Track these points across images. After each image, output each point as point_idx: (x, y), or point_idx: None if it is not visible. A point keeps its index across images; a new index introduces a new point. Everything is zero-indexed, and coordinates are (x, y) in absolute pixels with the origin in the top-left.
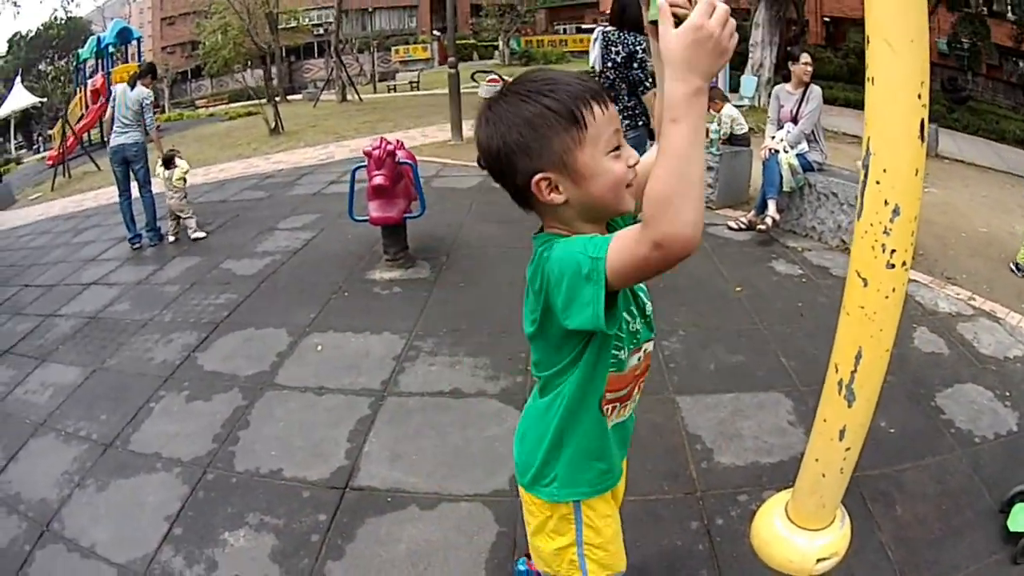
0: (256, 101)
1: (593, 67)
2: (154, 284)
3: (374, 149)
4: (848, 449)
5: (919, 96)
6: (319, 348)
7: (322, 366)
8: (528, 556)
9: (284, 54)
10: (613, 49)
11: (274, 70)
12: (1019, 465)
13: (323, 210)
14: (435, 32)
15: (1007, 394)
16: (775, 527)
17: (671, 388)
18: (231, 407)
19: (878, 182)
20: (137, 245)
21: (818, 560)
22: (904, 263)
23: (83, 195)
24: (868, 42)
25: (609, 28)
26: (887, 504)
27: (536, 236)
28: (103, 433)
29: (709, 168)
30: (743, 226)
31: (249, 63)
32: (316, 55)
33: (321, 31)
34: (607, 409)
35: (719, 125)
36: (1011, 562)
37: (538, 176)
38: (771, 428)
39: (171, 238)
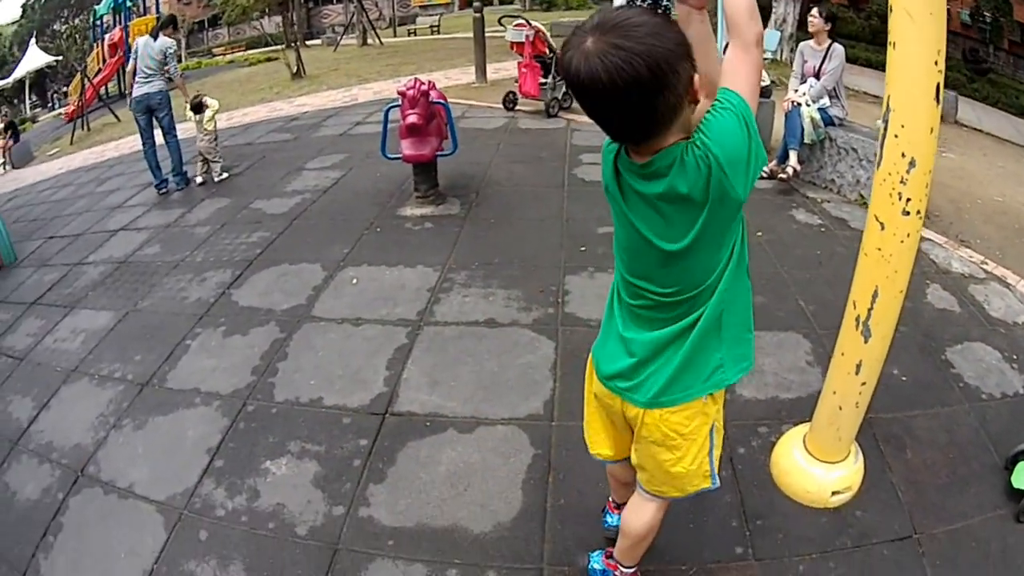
0: (275, 48)
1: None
2: (184, 227)
3: (408, 89)
4: (864, 384)
5: (936, 63)
6: (354, 281)
7: (358, 298)
8: (607, 554)
9: (303, 0)
10: None
11: (294, 16)
12: (1023, 425)
13: (351, 150)
14: None
15: (1015, 357)
16: (794, 458)
17: None
18: (269, 340)
19: (896, 136)
20: (164, 190)
21: (833, 492)
22: (919, 211)
23: (103, 146)
24: (891, 11)
25: None
26: (898, 447)
27: (659, 159)
28: (139, 373)
29: None
30: (765, 175)
31: (267, 10)
32: (335, 1)
33: None
34: None
35: None
36: (1014, 519)
37: (696, 75)
38: (790, 366)
39: (199, 179)
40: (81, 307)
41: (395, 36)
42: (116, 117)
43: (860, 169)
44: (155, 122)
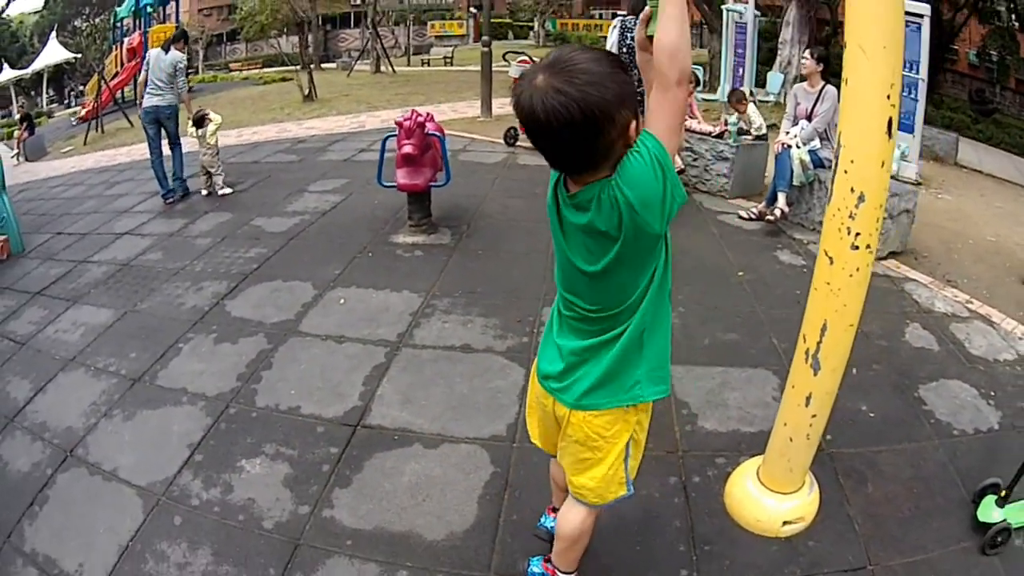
0: (290, 67)
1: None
2: (186, 236)
3: (405, 120)
4: (814, 416)
5: (888, 96)
6: (342, 301)
7: (344, 317)
8: (546, 558)
9: (320, 22)
10: (629, 35)
11: (310, 38)
12: (995, 461)
13: (353, 176)
14: (472, 9)
15: (992, 393)
16: (747, 487)
17: None
18: (256, 349)
19: (846, 171)
20: (171, 200)
21: (784, 522)
22: (868, 246)
23: (116, 150)
24: (846, 46)
25: (628, 17)
26: (859, 481)
27: (582, 193)
28: (132, 369)
29: (725, 159)
30: (753, 216)
31: (285, 29)
32: (352, 25)
33: (359, 1)
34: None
35: (740, 121)
36: (979, 552)
37: (635, 122)
38: (756, 401)
39: (204, 192)
40: (83, 302)
41: (409, 65)
42: (129, 122)
43: None
44: (163, 133)
